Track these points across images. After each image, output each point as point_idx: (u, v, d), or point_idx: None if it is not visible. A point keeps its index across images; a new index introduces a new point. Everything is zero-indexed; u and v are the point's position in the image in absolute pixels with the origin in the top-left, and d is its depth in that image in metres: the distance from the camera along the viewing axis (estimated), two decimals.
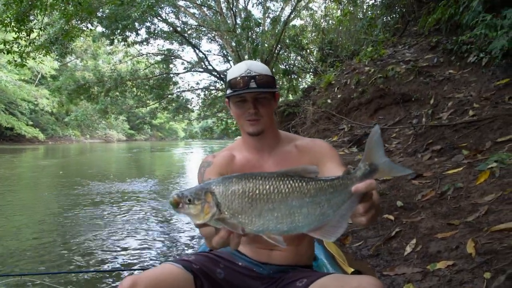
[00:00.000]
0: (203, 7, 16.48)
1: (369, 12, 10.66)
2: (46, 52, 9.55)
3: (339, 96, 6.49)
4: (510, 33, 3.77)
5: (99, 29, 14.54)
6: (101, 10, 12.18)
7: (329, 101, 6.62)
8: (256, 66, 1.27)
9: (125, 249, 3.63)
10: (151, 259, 3.36)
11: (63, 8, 8.16)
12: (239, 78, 1.23)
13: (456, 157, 3.06)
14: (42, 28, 8.92)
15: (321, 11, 17.81)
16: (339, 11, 14.69)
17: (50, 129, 35.85)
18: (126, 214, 5.12)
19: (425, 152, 3.57)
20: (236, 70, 1.27)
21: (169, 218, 4.97)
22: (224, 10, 16.61)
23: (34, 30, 8.76)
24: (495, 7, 4.66)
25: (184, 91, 19.84)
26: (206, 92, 20.28)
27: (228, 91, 1.27)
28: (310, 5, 17.52)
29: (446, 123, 3.72)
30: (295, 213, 0.79)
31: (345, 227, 0.79)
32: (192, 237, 4.03)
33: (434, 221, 2.18)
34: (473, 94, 4.13)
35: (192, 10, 17.03)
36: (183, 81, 55.63)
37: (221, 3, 16.45)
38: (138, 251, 3.57)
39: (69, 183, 8.16)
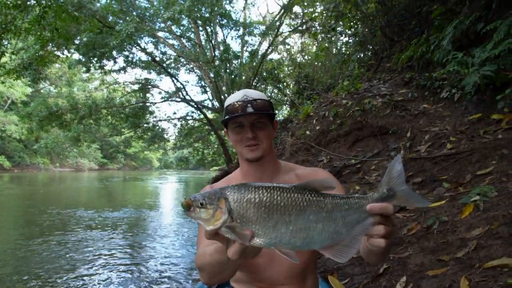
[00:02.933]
0: (182, 38, 16.69)
1: (343, 49, 11.09)
2: (17, 77, 9.23)
3: (317, 127, 6.53)
4: (481, 71, 3.95)
5: (76, 56, 14.37)
6: (78, 37, 12.07)
7: (307, 132, 6.64)
8: (253, 93, 1.26)
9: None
10: None
11: (39, 33, 8.00)
12: (236, 103, 1.21)
13: (437, 189, 3.04)
14: (15, 53, 8.66)
15: (298, 46, 18.47)
16: (314, 46, 15.28)
17: (17, 156, 34.24)
18: (101, 251, 4.80)
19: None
20: (233, 97, 1.26)
21: (144, 253, 4.68)
22: (203, 42, 16.88)
23: (6, 53, 8.49)
24: (463, 46, 4.93)
25: (160, 120, 19.64)
26: (183, 122, 20.15)
27: (226, 117, 1.24)
28: (287, 40, 18.16)
29: (425, 156, 3.75)
30: (310, 227, 0.77)
31: (357, 249, 0.78)
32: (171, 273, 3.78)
33: (423, 257, 2.10)
34: (448, 128, 4.23)
35: (171, 41, 17.22)
36: (159, 111, 55.41)
37: (200, 35, 16.74)
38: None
39: (32, 217, 7.65)
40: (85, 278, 3.59)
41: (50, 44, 9.37)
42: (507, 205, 2.22)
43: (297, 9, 15.25)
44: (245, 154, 1.25)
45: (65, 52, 11.38)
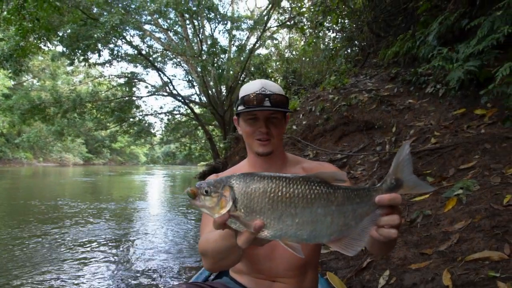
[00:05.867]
0: (169, 32, 16.44)
1: (331, 44, 11.11)
2: None
3: (304, 122, 6.53)
4: (465, 66, 3.98)
5: (59, 48, 14.02)
6: (62, 29, 11.76)
7: (294, 127, 6.64)
8: (271, 85, 1.22)
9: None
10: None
11: (18, 23, 7.73)
12: (253, 95, 1.17)
13: None
14: None
15: (285, 41, 18.45)
16: (302, 42, 15.27)
17: None
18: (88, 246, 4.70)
19: None
20: (250, 87, 1.21)
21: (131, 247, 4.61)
22: (190, 36, 16.67)
23: None
24: (448, 42, 4.97)
25: (147, 115, 19.39)
26: (170, 116, 19.95)
27: (240, 108, 1.20)
28: (275, 35, 18.09)
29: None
30: (318, 221, 0.75)
31: (365, 241, 0.77)
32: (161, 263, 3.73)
33: (406, 251, 2.10)
34: (432, 123, 4.27)
35: (158, 35, 16.95)
36: (146, 105, 54.82)
37: (188, 29, 16.52)
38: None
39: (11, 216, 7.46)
40: (73, 266, 3.55)
41: (32, 35, 9.07)
42: (489, 199, 2.24)
43: (285, 3, 15.20)
44: (256, 147, 1.23)
45: (48, 44, 10.99)
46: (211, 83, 17.00)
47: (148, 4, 12.74)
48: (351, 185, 1.07)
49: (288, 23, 15.29)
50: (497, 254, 1.75)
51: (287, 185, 0.75)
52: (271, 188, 0.75)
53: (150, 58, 16.20)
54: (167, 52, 16.76)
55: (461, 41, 4.40)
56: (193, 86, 18.73)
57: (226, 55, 15.96)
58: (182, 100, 17.69)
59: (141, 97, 18.96)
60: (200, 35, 15.76)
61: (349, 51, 9.84)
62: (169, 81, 17.12)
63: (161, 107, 26.37)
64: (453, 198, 2.43)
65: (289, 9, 15.18)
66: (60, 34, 12.21)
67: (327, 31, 10.37)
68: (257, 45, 16.66)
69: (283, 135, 1.35)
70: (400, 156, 0.79)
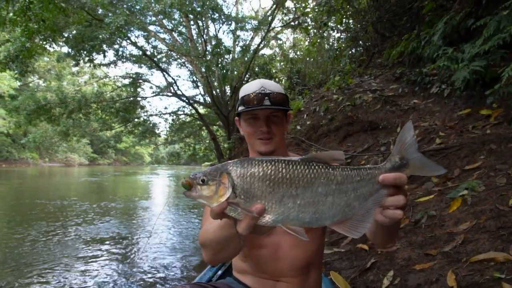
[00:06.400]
0: (173, 32, 16.48)
1: (335, 45, 11.08)
2: (1, 69, 9.03)
3: (308, 122, 6.52)
4: (470, 66, 3.95)
5: (64, 49, 14.12)
6: (67, 30, 11.84)
7: (298, 127, 6.63)
8: (270, 84, 1.22)
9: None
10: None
11: (24, 24, 7.80)
12: (252, 95, 1.17)
13: (426, 184, 3.05)
14: (0, 44, 8.46)
15: (290, 42, 18.43)
16: (306, 42, 15.26)
17: (4, 151, 33.68)
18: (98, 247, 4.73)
19: None
20: (250, 87, 1.22)
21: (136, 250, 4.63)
22: (194, 37, 16.70)
23: None
24: (453, 42, 4.93)
25: (151, 115, 19.44)
26: (174, 117, 20.00)
27: (240, 108, 1.21)
28: (279, 35, 18.08)
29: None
30: (319, 201, 0.73)
31: (370, 223, 0.73)
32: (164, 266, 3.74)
33: (411, 251, 2.09)
34: (437, 123, 4.24)
35: (162, 35, 17.00)
36: (150, 105, 55.00)
37: (192, 29, 16.56)
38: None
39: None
40: (78, 263, 3.59)
41: (38, 36, 9.15)
42: (495, 200, 2.23)
43: (289, 4, 15.17)
44: (258, 147, 1.23)
45: (53, 45, 11.07)
46: (215, 84, 17.02)
47: (153, 5, 12.79)
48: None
49: (293, 23, 15.27)
50: (503, 255, 1.73)
51: (286, 166, 0.73)
52: (271, 171, 0.73)
53: (155, 59, 16.25)
54: (172, 52, 16.80)
55: (466, 41, 4.37)
56: (197, 87, 18.78)
57: (230, 55, 15.97)
58: (187, 101, 17.73)
59: (146, 97, 19.03)
60: (204, 35, 15.78)
61: (353, 51, 9.82)
62: (173, 81, 17.18)
63: (165, 108, 26.58)
64: (458, 198, 2.42)
65: (294, 9, 15.15)
66: (66, 35, 12.29)
67: (331, 31, 10.35)
68: (261, 45, 16.65)
69: (286, 134, 1.35)
70: (404, 134, 0.75)
